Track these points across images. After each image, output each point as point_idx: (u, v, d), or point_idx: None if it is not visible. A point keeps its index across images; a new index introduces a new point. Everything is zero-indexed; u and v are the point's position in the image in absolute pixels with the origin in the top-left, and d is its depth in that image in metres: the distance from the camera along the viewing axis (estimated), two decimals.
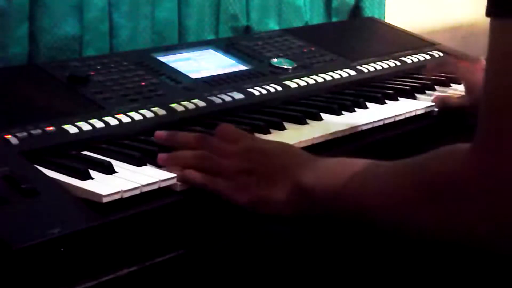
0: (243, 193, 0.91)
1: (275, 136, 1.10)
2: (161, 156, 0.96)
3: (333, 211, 0.86)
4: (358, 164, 0.87)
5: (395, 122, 1.23)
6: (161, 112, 1.14)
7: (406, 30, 1.78)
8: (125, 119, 1.10)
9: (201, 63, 1.36)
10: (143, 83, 1.23)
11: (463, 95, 1.33)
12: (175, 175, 0.92)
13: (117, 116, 1.10)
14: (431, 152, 0.80)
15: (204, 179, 0.92)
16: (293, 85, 1.33)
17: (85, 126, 1.05)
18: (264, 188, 0.90)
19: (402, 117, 1.24)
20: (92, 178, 0.91)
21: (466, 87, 1.33)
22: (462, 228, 0.75)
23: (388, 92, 1.33)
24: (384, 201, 0.81)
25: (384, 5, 2.01)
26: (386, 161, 0.84)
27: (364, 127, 1.17)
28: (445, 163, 0.76)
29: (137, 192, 0.89)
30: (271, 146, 0.96)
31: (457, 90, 1.38)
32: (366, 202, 0.83)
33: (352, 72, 1.44)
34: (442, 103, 1.30)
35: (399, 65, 1.53)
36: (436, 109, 1.30)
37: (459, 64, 1.40)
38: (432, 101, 1.31)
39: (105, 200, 0.85)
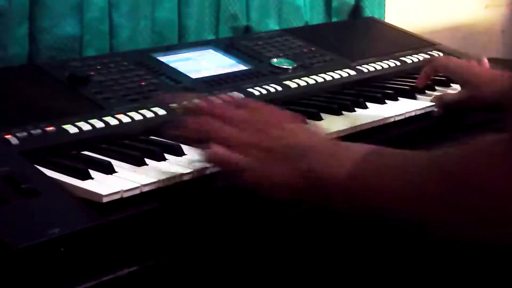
0: (248, 170, 0.82)
1: None
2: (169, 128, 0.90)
3: (348, 204, 0.79)
4: (384, 154, 0.80)
5: (395, 122, 1.23)
6: (161, 112, 1.13)
7: (406, 30, 1.78)
8: (125, 119, 1.10)
9: (201, 63, 1.36)
10: (143, 83, 1.23)
11: (460, 90, 1.33)
12: (175, 175, 0.92)
13: (117, 116, 1.10)
14: (462, 145, 0.75)
15: (213, 154, 0.84)
16: (293, 85, 1.33)
17: (85, 126, 1.05)
18: (271, 166, 0.82)
19: (402, 117, 1.24)
20: (92, 178, 0.91)
21: (461, 82, 1.33)
22: (495, 227, 0.72)
23: (388, 92, 1.33)
24: (406, 198, 0.76)
25: (384, 5, 2.01)
26: (412, 152, 0.78)
27: (364, 127, 1.17)
28: (482, 158, 0.72)
29: (137, 192, 0.89)
30: (283, 122, 0.87)
31: (457, 89, 1.38)
32: (387, 196, 0.77)
33: (352, 72, 1.44)
34: (440, 100, 1.31)
35: (399, 65, 1.53)
36: (436, 109, 1.30)
37: (451, 62, 1.40)
38: (431, 101, 1.31)
39: (105, 200, 0.85)
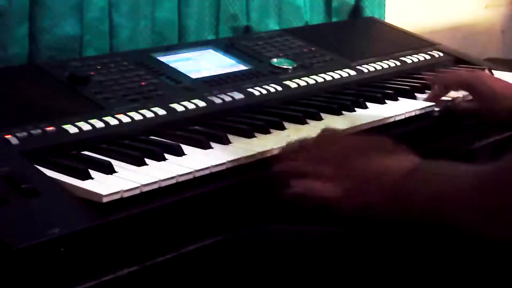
0: (345, 201, 0.88)
1: (275, 136, 1.10)
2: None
3: (431, 218, 0.82)
4: (462, 173, 0.82)
5: (395, 122, 1.23)
6: (161, 112, 1.14)
7: (406, 30, 1.78)
8: (125, 119, 1.10)
9: (201, 63, 1.36)
10: (143, 83, 1.23)
11: (471, 100, 1.32)
12: (175, 175, 0.92)
13: (117, 116, 1.10)
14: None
15: (304, 188, 0.91)
16: (293, 85, 1.33)
17: (85, 126, 1.05)
18: (362, 193, 0.87)
19: (402, 117, 1.24)
20: (92, 178, 0.91)
21: (475, 95, 1.31)
22: None
23: (388, 92, 1.33)
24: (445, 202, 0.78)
25: (384, 5, 2.01)
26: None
27: (364, 127, 1.17)
28: None
29: (137, 192, 0.89)
30: (368, 146, 0.94)
31: (456, 92, 1.37)
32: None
33: (352, 72, 1.44)
34: (450, 107, 1.30)
35: (399, 65, 1.53)
36: (436, 109, 1.30)
37: (461, 76, 1.39)
38: (431, 101, 1.31)
39: (105, 200, 0.85)
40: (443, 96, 1.34)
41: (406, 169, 0.85)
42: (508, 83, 1.34)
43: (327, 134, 0.99)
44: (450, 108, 1.30)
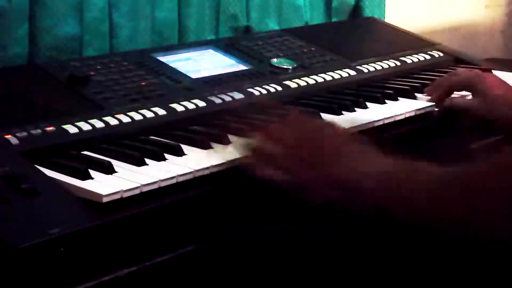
0: (286, 183, 0.91)
1: None
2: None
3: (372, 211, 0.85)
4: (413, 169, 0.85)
5: (395, 122, 1.23)
6: (161, 112, 1.14)
7: (406, 30, 1.78)
8: (125, 119, 1.10)
9: (201, 63, 1.36)
10: (143, 83, 1.23)
11: (473, 98, 1.31)
12: (175, 175, 0.92)
13: (117, 116, 1.10)
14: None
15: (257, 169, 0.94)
16: (293, 85, 1.33)
17: (85, 126, 1.05)
18: (304, 175, 0.90)
19: (402, 117, 1.24)
20: (92, 178, 0.91)
21: (476, 94, 1.30)
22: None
23: (388, 92, 1.33)
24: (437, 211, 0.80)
25: (384, 5, 2.01)
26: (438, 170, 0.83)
27: (364, 127, 1.17)
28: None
29: (137, 192, 0.89)
30: (320, 130, 0.97)
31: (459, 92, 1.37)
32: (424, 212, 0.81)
33: (352, 72, 1.44)
34: (449, 107, 1.30)
35: (399, 65, 1.53)
36: (436, 109, 1.30)
37: (464, 72, 1.38)
38: (431, 100, 1.31)
39: (105, 200, 0.85)
40: (446, 97, 1.34)
41: (383, 174, 0.85)
42: (506, 83, 1.33)
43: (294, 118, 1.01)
44: (449, 108, 1.30)
